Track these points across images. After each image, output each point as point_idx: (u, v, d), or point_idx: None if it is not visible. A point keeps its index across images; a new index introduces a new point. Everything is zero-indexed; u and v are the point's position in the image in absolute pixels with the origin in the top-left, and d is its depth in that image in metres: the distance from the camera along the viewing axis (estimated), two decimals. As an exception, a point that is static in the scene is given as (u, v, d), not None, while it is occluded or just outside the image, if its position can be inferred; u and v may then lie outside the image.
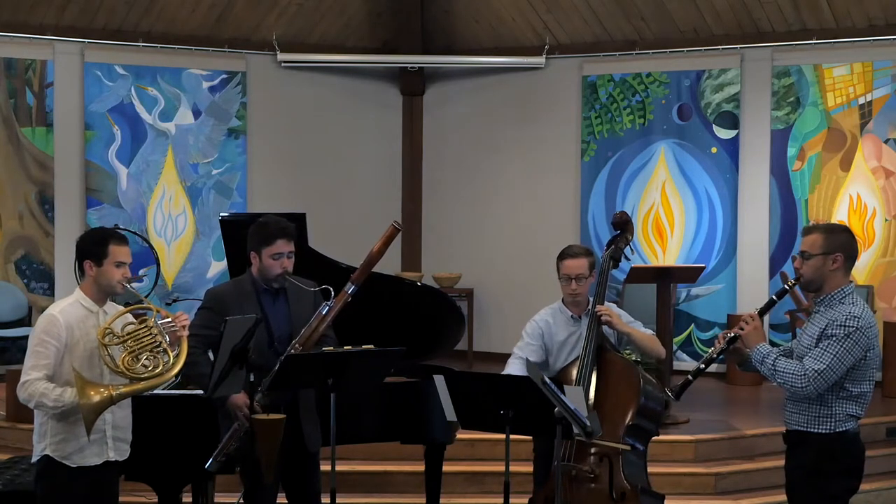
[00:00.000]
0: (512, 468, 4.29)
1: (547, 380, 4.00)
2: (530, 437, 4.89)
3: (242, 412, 4.28)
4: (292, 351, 4.32)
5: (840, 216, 9.02)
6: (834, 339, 3.90)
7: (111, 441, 4.15)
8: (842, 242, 4.06)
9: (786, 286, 4.15)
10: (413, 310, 5.68)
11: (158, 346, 4.01)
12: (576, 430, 4.06)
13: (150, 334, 4.01)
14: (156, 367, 3.99)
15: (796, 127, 9.20)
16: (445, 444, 5.37)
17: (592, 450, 4.60)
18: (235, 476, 4.74)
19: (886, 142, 8.92)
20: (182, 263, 9.72)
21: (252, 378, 4.15)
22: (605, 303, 4.95)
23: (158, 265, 8.90)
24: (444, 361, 5.71)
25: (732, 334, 4.11)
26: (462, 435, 5.46)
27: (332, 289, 4.45)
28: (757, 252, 9.32)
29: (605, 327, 4.83)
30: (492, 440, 6.34)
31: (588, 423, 4.03)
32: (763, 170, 9.30)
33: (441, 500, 5.48)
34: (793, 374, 3.91)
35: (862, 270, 8.95)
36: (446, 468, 5.48)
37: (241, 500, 4.60)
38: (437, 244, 10.56)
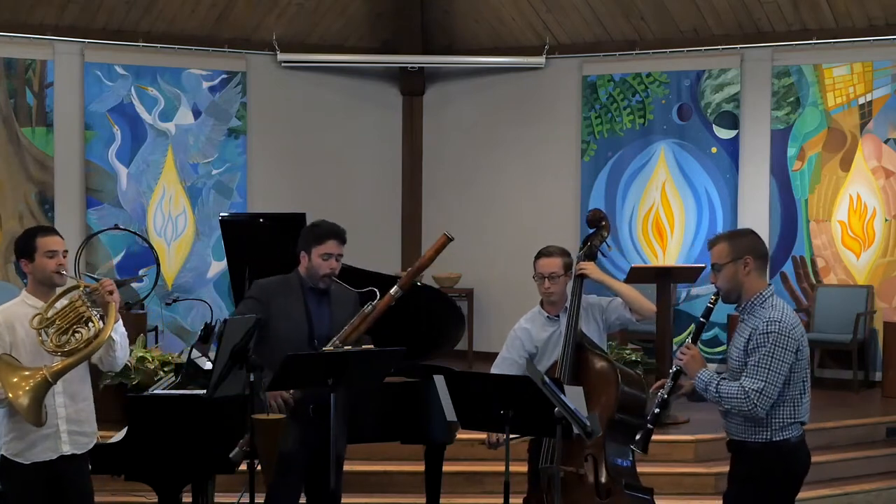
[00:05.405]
0: (512, 468, 4.27)
1: (547, 380, 4.00)
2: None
3: (277, 401, 4.33)
4: (332, 347, 4.39)
5: (840, 216, 9.03)
6: (761, 350, 3.81)
7: (65, 435, 4.13)
8: (748, 245, 3.97)
9: (709, 304, 4.04)
10: (413, 310, 5.67)
11: (85, 318, 4.03)
12: (576, 431, 4.05)
13: (75, 308, 4.03)
14: (85, 336, 4.01)
15: (796, 127, 9.20)
16: (445, 444, 5.37)
17: (586, 451, 4.60)
18: (235, 476, 4.74)
19: (886, 142, 8.91)
20: (182, 263, 9.71)
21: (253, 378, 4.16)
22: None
23: (158, 265, 8.89)
24: (444, 361, 5.70)
25: (675, 368, 4.04)
26: (462, 435, 5.44)
27: (377, 291, 4.56)
28: (757, 252, 9.29)
29: (583, 325, 4.83)
30: (492, 440, 6.34)
31: (588, 423, 4.03)
32: (763, 170, 9.30)
33: (441, 500, 5.48)
34: (736, 397, 3.82)
35: (862, 270, 8.95)
36: (446, 468, 5.47)
37: (242, 501, 4.59)
38: (437, 244, 10.53)
